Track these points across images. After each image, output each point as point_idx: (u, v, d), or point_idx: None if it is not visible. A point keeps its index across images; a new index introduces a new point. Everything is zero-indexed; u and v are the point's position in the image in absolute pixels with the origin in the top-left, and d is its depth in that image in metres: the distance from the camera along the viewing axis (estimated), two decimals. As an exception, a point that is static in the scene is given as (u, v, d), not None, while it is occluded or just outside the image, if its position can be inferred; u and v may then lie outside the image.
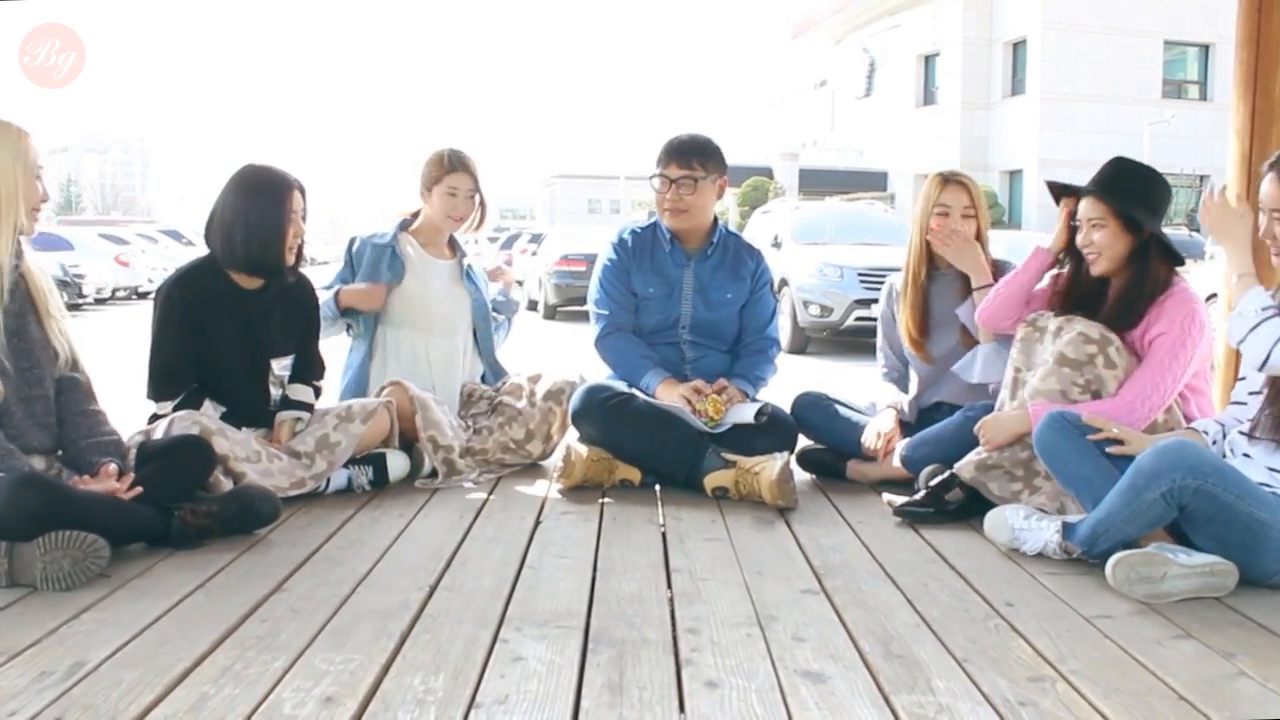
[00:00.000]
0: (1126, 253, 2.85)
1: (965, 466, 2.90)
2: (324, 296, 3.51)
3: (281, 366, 3.15)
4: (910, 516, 2.88)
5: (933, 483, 2.94)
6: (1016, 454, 2.86)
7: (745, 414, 3.27)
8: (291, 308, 3.15)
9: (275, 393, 3.16)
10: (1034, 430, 2.69)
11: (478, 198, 3.67)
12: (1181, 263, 2.90)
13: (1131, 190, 2.86)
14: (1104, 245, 2.85)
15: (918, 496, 2.93)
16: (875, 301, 9.72)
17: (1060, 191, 3.05)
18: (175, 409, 2.94)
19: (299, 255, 3.08)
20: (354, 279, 3.66)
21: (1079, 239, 2.92)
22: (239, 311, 3.02)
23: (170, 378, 2.99)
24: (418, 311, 3.65)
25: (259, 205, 2.98)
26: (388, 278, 3.62)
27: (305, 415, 3.16)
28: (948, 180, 3.32)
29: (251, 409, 3.08)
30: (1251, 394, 2.53)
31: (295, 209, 3.00)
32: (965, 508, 2.89)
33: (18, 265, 2.53)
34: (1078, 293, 2.96)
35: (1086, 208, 2.88)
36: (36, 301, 2.56)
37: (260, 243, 2.98)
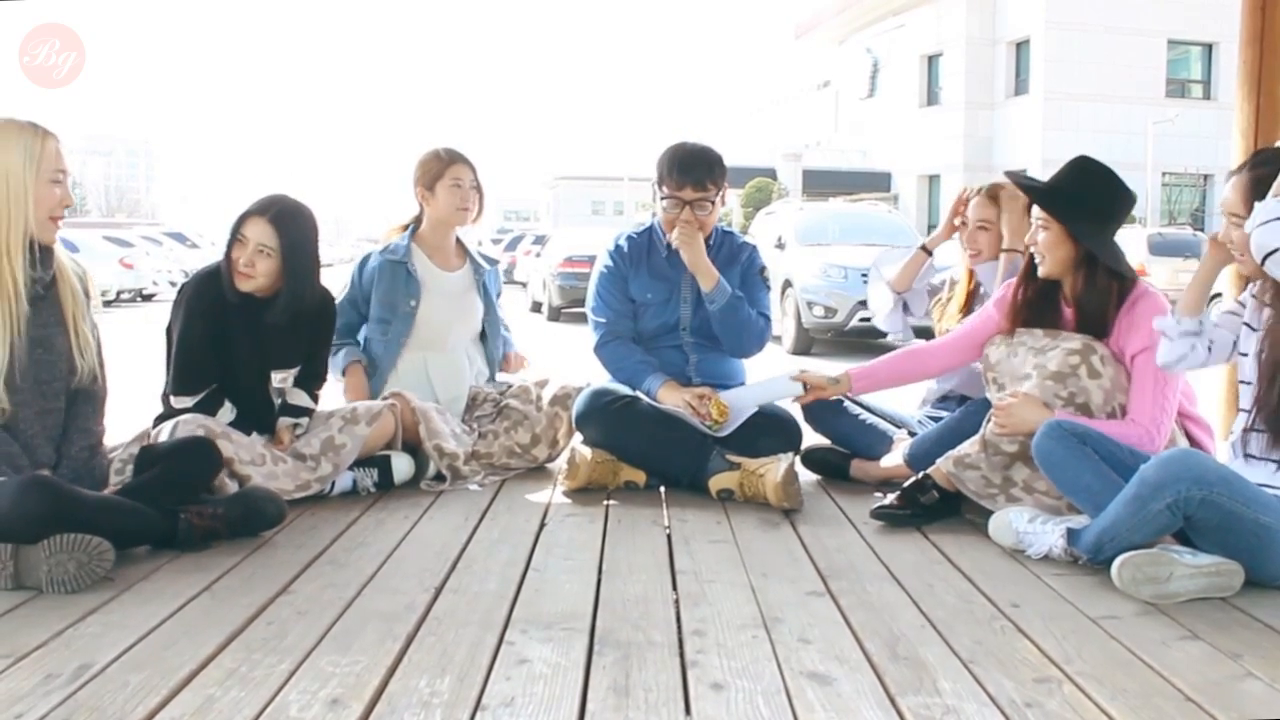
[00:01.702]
0: (1071, 258, 2.80)
1: (944, 462, 2.88)
2: (337, 360, 3.49)
3: (280, 379, 3.13)
4: (886, 519, 2.86)
5: (906, 484, 2.93)
6: (994, 462, 2.83)
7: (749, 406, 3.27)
8: (304, 321, 3.09)
9: (279, 402, 3.15)
10: (1034, 439, 2.63)
11: (477, 189, 3.67)
12: (1130, 281, 2.82)
13: (1082, 198, 2.79)
14: (1046, 248, 2.81)
15: (891, 499, 2.91)
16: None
17: (1022, 186, 3.01)
18: (194, 408, 2.94)
19: (294, 284, 2.98)
20: (364, 299, 3.60)
21: (1027, 236, 2.88)
22: (247, 320, 3.01)
23: (192, 374, 2.98)
24: (423, 331, 3.60)
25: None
26: (407, 307, 3.56)
27: (304, 421, 3.16)
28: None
29: (257, 415, 3.08)
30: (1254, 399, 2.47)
31: (245, 234, 2.95)
32: (940, 509, 2.87)
33: (47, 275, 2.47)
34: (1033, 297, 2.89)
35: (1037, 206, 2.84)
36: (66, 313, 2.50)
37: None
